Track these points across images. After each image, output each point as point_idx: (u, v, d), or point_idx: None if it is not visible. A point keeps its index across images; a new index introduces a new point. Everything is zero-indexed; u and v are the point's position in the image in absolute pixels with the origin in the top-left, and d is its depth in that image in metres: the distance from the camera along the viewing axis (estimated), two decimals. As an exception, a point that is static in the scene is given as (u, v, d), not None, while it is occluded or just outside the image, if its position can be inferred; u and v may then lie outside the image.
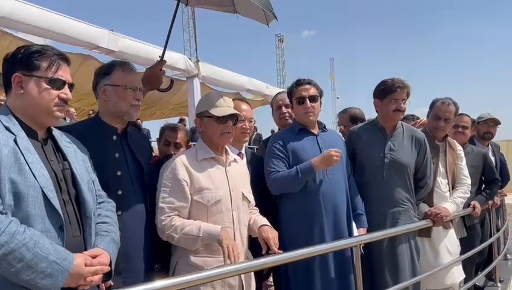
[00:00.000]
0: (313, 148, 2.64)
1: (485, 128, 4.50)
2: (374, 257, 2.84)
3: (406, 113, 3.42)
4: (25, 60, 1.53)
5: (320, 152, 2.60)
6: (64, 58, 1.62)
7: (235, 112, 2.20)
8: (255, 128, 17.60)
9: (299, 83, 2.72)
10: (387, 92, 2.89)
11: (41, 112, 1.55)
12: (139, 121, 12.50)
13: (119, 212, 1.89)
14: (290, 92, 2.76)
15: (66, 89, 1.60)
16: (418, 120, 3.77)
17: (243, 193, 2.21)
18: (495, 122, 4.52)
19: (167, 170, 2.08)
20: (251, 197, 2.31)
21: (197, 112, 2.26)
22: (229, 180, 2.16)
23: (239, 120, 2.32)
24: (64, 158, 1.61)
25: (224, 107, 2.18)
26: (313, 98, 2.66)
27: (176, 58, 9.23)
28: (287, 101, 2.91)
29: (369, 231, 2.76)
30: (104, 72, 2.07)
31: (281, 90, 16.41)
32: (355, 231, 2.71)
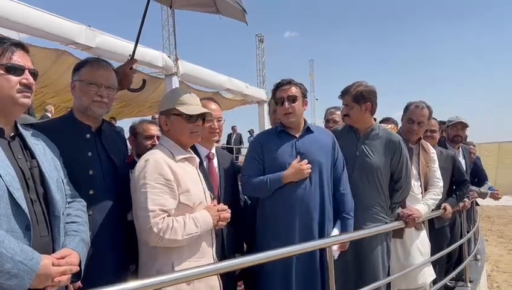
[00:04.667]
0: (289, 152, 2.64)
1: (454, 131, 4.67)
2: (347, 258, 2.84)
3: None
4: None
5: (297, 156, 2.60)
6: (19, 44, 1.55)
7: (206, 110, 2.15)
8: (234, 128, 17.66)
9: (279, 84, 2.73)
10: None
11: (4, 101, 1.50)
12: (112, 119, 12.35)
13: (91, 212, 1.86)
14: (273, 95, 2.78)
15: (26, 74, 1.54)
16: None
17: (210, 195, 2.20)
18: (463, 126, 4.69)
19: (150, 170, 1.92)
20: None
21: (163, 109, 2.14)
22: (201, 181, 2.13)
23: (207, 119, 2.30)
24: (33, 156, 1.57)
25: (194, 105, 2.12)
26: (292, 98, 2.65)
27: (154, 56, 9.08)
28: None
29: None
30: (76, 67, 2.05)
31: (261, 90, 16.46)
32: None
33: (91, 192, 1.92)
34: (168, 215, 1.90)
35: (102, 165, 2.00)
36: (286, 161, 2.59)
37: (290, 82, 2.70)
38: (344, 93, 3.00)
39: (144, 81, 2.87)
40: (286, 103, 2.64)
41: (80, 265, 1.53)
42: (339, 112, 3.66)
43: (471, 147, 5.46)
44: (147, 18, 2.75)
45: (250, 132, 18.21)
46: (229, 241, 2.57)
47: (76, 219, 1.68)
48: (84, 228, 1.69)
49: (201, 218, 1.98)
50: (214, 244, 2.15)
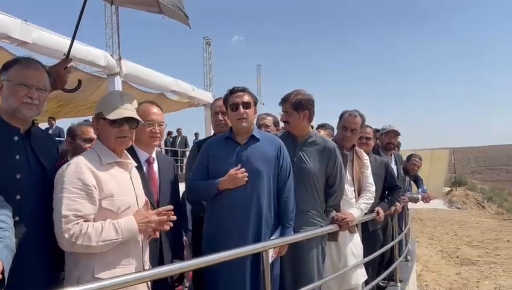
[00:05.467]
0: (232, 159, 2.69)
1: (387, 139, 4.94)
2: (283, 262, 2.90)
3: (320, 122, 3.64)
4: None
5: (237, 164, 2.66)
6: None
7: (131, 115, 2.06)
8: (179, 131, 17.45)
9: (233, 90, 2.78)
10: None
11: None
12: (51, 119, 11.78)
13: (17, 218, 1.78)
14: (225, 100, 2.82)
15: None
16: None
17: (146, 200, 2.17)
18: (395, 134, 4.99)
19: (69, 174, 1.87)
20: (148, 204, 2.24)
21: (95, 112, 2.11)
22: (134, 186, 2.08)
23: (148, 124, 2.27)
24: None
25: (120, 109, 2.04)
26: (246, 105, 2.71)
27: (96, 54, 8.79)
28: (224, 108, 2.93)
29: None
30: (5, 66, 1.94)
31: (208, 93, 16.42)
32: None
33: (18, 197, 1.84)
34: (85, 221, 1.84)
35: (31, 169, 1.91)
36: (227, 168, 2.64)
37: (244, 89, 2.78)
38: (284, 101, 3.09)
39: (80, 81, 2.78)
40: (241, 108, 2.69)
41: (3, 273, 1.47)
42: (270, 118, 3.78)
43: (417, 160, 5.81)
44: (86, 15, 2.65)
45: (196, 134, 18.11)
46: (168, 247, 2.56)
47: (1, 225, 1.61)
48: (9, 234, 1.61)
49: (125, 224, 1.91)
50: (145, 251, 2.11)
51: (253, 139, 2.77)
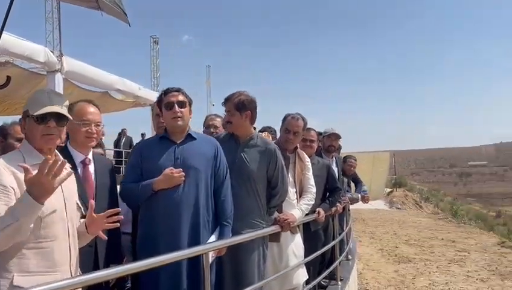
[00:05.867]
0: (168, 158, 2.66)
1: (329, 141, 5.12)
2: (224, 264, 2.92)
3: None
4: None
5: (175, 162, 2.63)
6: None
7: (58, 110, 1.95)
8: (124, 131, 16.94)
9: (167, 91, 2.76)
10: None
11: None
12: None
13: None
14: (160, 101, 2.79)
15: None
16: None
17: (77, 203, 2.09)
18: (336, 136, 5.18)
19: None
20: (81, 208, 2.16)
21: (23, 110, 2.00)
22: (63, 188, 1.96)
23: (83, 124, 2.18)
24: None
25: (47, 106, 1.93)
26: (181, 104, 2.70)
27: (35, 50, 8.32)
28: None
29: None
30: None
31: (155, 93, 16.09)
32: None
33: None
34: None
35: None
36: (163, 167, 2.60)
37: (178, 90, 2.77)
38: (227, 101, 3.10)
39: (8, 77, 2.64)
40: (176, 107, 2.67)
41: None
42: (219, 119, 3.77)
43: (352, 160, 6.05)
44: (17, 7, 2.52)
45: (143, 135, 17.66)
46: (103, 251, 2.48)
47: None
48: None
49: (19, 202, 1.69)
50: (74, 256, 2.00)
51: (189, 138, 2.77)
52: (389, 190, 27.21)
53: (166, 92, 2.76)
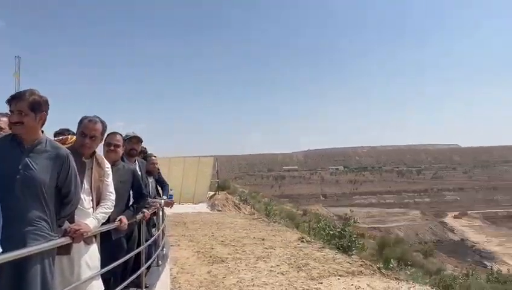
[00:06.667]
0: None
1: (130, 145, 5.10)
2: (2, 281, 2.60)
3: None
4: None
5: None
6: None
7: None
8: None
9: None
10: None
11: None
12: None
13: None
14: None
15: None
16: (68, 137, 3.74)
17: None
18: (138, 140, 5.20)
19: None
20: None
21: None
22: None
23: None
24: None
25: None
26: None
27: None
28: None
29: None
30: None
31: None
32: None
33: None
34: None
35: None
36: None
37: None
38: (17, 99, 2.77)
39: None
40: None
41: None
42: (5, 119, 3.33)
43: (153, 158, 6.09)
44: None
45: None
46: None
47: None
48: None
49: None
50: None
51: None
52: (212, 193, 28.20)
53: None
